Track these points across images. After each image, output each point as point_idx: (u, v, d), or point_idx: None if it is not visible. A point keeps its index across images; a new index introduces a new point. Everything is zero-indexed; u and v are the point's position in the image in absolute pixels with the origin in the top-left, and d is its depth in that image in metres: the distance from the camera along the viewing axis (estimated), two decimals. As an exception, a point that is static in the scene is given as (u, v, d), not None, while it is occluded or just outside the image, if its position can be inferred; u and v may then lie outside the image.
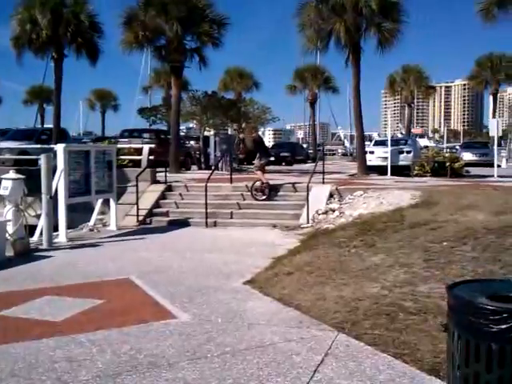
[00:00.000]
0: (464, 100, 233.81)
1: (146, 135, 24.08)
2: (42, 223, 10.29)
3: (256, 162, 14.31)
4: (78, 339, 4.99)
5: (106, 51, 23.68)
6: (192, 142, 29.24)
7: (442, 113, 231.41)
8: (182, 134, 32.28)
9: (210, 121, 24.32)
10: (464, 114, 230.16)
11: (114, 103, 62.61)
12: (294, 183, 14.46)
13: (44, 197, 10.12)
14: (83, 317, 5.74)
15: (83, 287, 7.05)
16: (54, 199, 10.52)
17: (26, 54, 22.55)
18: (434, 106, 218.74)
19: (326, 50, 19.20)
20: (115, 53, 20.45)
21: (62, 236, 10.63)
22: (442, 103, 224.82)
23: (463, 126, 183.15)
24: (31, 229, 10.46)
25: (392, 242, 7.69)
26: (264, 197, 13.57)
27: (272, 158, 32.45)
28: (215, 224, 12.47)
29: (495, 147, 19.36)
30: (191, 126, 31.70)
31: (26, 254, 9.19)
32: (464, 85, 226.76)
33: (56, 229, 10.65)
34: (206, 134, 26.49)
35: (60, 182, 10.56)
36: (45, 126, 35.13)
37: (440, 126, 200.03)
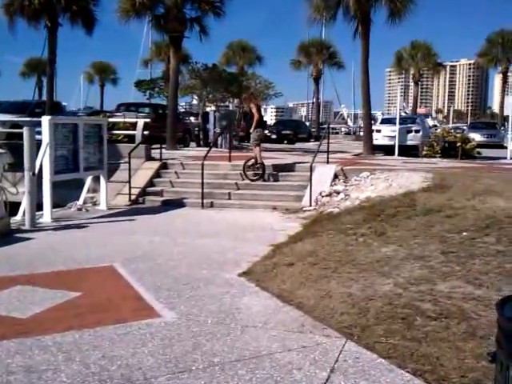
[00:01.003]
0: (469, 80, 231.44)
1: (143, 109, 23.20)
2: (24, 202, 9.55)
3: (253, 134, 13.10)
4: (44, 342, 4.29)
5: (107, 23, 22.80)
6: (192, 118, 28.40)
7: (446, 93, 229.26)
8: (182, 109, 31.42)
9: (210, 95, 23.41)
10: (468, 95, 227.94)
11: (113, 77, 61.41)
12: (296, 162, 13.70)
13: (26, 173, 9.36)
14: (54, 313, 5.03)
15: (61, 276, 6.34)
16: (39, 176, 9.80)
17: (21, 24, 21.71)
18: (438, 85, 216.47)
19: (333, 21, 18.21)
20: (117, 25, 19.44)
21: (46, 216, 9.90)
22: (447, 83, 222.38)
23: (467, 106, 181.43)
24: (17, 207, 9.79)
25: (404, 230, 6.95)
26: (256, 177, 12.68)
27: (274, 136, 31.89)
28: (212, 205, 11.73)
29: (510, 127, 18.36)
30: (193, 101, 30.79)
31: (6, 235, 8.47)
32: (469, 65, 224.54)
33: (42, 207, 9.95)
34: (207, 109, 25.64)
35: (45, 158, 9.79)
36: (40, 99, 34.14)
37: (444, 106, 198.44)
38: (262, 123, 13.50)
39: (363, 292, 5.12)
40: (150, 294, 5.53)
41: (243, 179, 12.73)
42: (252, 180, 12.68)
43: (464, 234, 6.33)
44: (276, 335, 4.40)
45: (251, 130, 13.20)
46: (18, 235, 8.62)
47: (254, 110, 13.03)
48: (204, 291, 5.60)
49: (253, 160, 12.84)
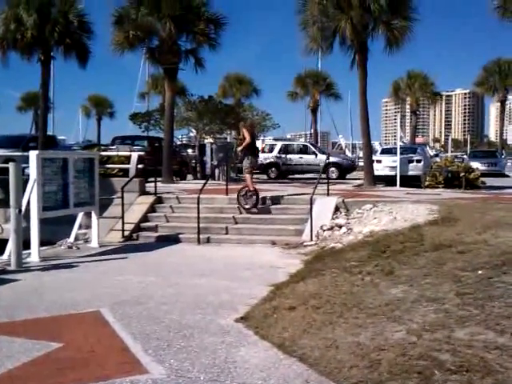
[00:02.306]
0: (465, 109, 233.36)
1: (139, 142, 22.86)
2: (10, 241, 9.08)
3: (245, 162, 12.70)
4: (14, 408, 3.77)
5: (105, 56, 22.64)
6: (189, 150, 28.09)
7: (443, 122, 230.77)
8: (179, 142, 31.14)
9: (206, 127, 23.12)
10: (465, 123, 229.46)
11: (110, 110, 61.40)
12: (295, 194, 13.27)
13: (12, 211, 8.90)
14: (31, 368, 4.51)
15: (43, 323, 5.83)
16: (26, 213, 9.35)
17: (15, 57, 21.54)
18: (434, 115, 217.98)
19: (329, 50, 17.96)
20: (113, 58, 19.34)
21: (34, 255, 9.41)
22: (443, 112, 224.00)
23: (464, 135, 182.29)
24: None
25: (414, 268, 6.46)
26: (250, 205, 12.26)
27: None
28: (208, 240, 11.24)
29: None
30: (191, 134, 30.60)
31: (-11, 277, 7.99)
32: (465, 94, 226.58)
33: (29, 246, 9.46)
34: (204, 141, 25.35)
35: (32, 194, 9.34)
36: (36, 133, 33.82)
37: (441, 135, 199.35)
38: (253, 149, 12.94)
39: (373, 341, 4.62)
40: (137, 344, 5.01)
41: (240, 212, 12.27)
42: (246, 210, 12.25)
43: (479, 272, 5.85)
44: (277, 394, 3.89)
45: (239, 152, 12.96)
46: (2, 276, 8.13)
47: (246, 134, 12.61)
48: (197, 341, 5.09)
49: (246, 189, 12.46)
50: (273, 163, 24.47)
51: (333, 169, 23.80)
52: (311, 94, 46.26)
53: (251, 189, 12.40)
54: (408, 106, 51.72)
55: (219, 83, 47.01)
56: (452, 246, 7.09)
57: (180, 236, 11.52)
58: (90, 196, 10.92)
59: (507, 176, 26.58)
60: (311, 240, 10.52)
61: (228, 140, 30.95)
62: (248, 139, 12.52)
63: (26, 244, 9.26)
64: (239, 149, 12.91)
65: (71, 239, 11.07)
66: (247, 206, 12.28)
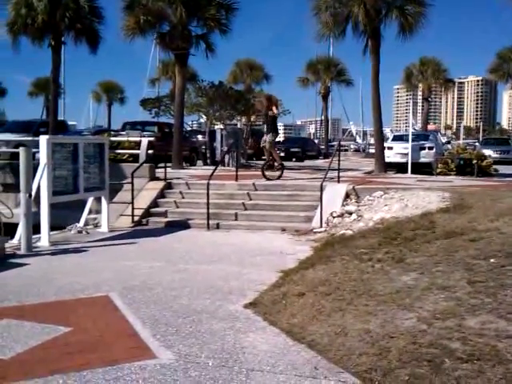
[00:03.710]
0: (477, 96, 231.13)
1: (149, 128, 22.81)
2: (20, 225, 9.10)
3: (269, 137, 13.92)
4: (22, 391, 3.78)
5: (116, 41, 22.53)
6: (199, 136, 28.02)
7: (455, 109, 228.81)
8: (189, 127, 31.05)
9: (216, 113, 23.02)
10: (477, 111, 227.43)
11: (121, 96, 61.31)
12: (305, 181, 13.20)
13: (22, 195, 8.91)
14: (39, 352, 4.52)
15: (52, 307, 5.84)
16: (37, 197, 9.37)
17: (25, 43, 21.52)
18: (446, 101, 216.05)
19: (342, 36, 17.73)
20: (124, 44, 19.26)
21: (44, 239, 9.43)
22: (455, 99, 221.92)
23: (476, 122, 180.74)
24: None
25: (425, 255, 6.39)
26: (276, 177, 13.63)
27: (282, 154, 31.45)
28: (218, 226, 11.22)
29: None
30: (201, 120, 30.51)
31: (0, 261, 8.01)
32: (477, 81, 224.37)
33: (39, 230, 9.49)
34: (215, 127, 25.27)
35: (43, 179, 9.35)
36: (44, 118, 33.89)
37: (452, 123, 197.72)
38: (276, 125, 14.63)
39: (383, 328, 4.57)
40: (146, 329, 5.01)
41: (251, 199, 12.22)
42: (273, 180, 13.45)
43: (491, 260, 5.77)
44: (285, 381, 3.87)
45: (268, 136, 13.97)
46: (12, 260, 8.15)
47: (275, 109, 14.01)
48: (205, 326, 5.07)
49: (270, 162, 14.18)
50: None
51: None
52: (322, 80, 45.89)
53: (279, 161, 14.20)
54: (420, 93, 51.24)
55: (230, 69, 46.75)
56: (464, 233, 7.01)
57: (189, 222, 11.50)
58: (100, 181, 10.92)
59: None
60: (321, 227, 10.46)
61: (238, 126, 30.83)
62: (275, 112, 13.88)
63: (36, 228, 9.28)
64: (273, 112, 13.87)
65: (81, 224, 11.09)
66: (274, 178, 13.55)
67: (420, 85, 48.19)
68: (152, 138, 17.62)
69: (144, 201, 12.34)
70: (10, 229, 9.36)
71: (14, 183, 13.25)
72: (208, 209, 11.15)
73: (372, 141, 42.85)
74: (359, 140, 76.10)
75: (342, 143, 55.32)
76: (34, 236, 9.19)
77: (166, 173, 13.72)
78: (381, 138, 18.73)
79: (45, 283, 6.84)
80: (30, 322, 5.28)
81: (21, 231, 8.93)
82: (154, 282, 6.74)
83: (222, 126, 24.99)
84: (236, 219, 11.54)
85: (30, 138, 17.54)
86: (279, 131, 15.10)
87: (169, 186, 13.25)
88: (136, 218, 11.71)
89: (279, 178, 13.74)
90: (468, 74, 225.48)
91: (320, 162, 29.66)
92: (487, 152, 25.19)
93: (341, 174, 13.33)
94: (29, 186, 8.94)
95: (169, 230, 10.97)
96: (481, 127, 78.23)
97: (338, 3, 16.93)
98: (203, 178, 13.08)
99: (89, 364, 4.23)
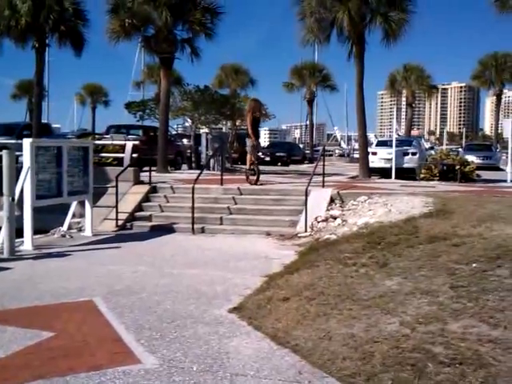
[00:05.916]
0: (460, 102, 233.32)
1: (133, 131, 22.73)
2: (3, 229, 9.02)
3: (249, 141, 14.11)
4: (5, 396, 3.74)
5: (101, 44, 22.44)
6: (184, 140, 27.97)
7: (438, 115, 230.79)
8: (174, 131, 30.97)
9: (202, 117, 23.00)
10: (460, 117, 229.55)
11: (105, 99, 61.12)
12: (290, 186, 13.23)
13: (5, 199, 8.83)
14: (22, 357, 4.48)
15: (35, 312, 5.80)
16: (20, 201, 9.29)
17: (10, 44, 21.36)
18: (430, 107, 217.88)
19: (327, 42, 17.89)
20: (108, 47, 19.14)
21: (27, 243, 9.36)
22: (439, 105, 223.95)
23: (459, 128, 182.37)
24: None
25: (408, 260, 6.45)
26: (254, 182, 13.71)
27: (267, 158, 31.50)
28: (203, 230, 11.21)
29: (510, 150, 17.67)
30: (186, 124, 30.49)
31: (-19, 265, 7.93)
32: (460, 87, 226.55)
33: (23, 234, 9.41)
34: (200, 131, 25.24)
35: (26, 182, 9.28)
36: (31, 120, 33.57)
37: (436, 128, 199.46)
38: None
39: (367, 333, 4.61)
40: (130, 334, 4.99)
41: (236, 203, 12.23)
42: (252, 183, 13.74)
43: (474, 265, 5.84)
44: (270, 386, 3.87)
45: (248, 141, 14.23)
46: (-7, 265, 8.07)
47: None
48: (190, 331, 5.07)
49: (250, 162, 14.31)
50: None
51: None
52: (307, 85, 46.15)
53: (248, 167, 14.35)
54: (404, 99, 51.70)
55: (215, 73, 46.84)
56: (447, 238, 7.08)
57: (174, 226, 11.47)
58: (84, 185, 10.86)
59: (502, 170, 26.57)
60: (306, 231, 10.50)
61: (223, 130, 30.84)
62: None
63: (19, 232, 9.21)
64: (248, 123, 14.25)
65: (64, 228, 11.01)
66: (253, 182, 13.77)
67: (404, 91, 48.68)
68: (137, 142, 17.57)
69: (128, 205, 12.29)
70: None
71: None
72: (193, 213, 11.13)
73: (356, 146, 43.13)
74: (344, 145, 76.34)
75: (327, 148, 55.70)
76: (17, 240, 9.13)
77: (150, 176, 13.68)
78: (365, 143, 18.87)
79: (28, 287, 6.79)
80: (13, 326, 5.24)
81: (3, 235, 8.84)
82: (138, 287, 6.72)
83: (207, 130, 24.98)
84: (221, 223, 11.54)
85: (13, 141, 17.34)
86: (259, 135, 15.27)
87: (154, 189, 13.21)
88: (120, 222, 11.66)
89: (256, 182, 13.70)
90: (451, 81, 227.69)
91: (305, 167, 29.77)
92: (470, 158, 25.43)
93: (325, 178, 13.41)
94: (12, 189, 8.87)
95: (153, 234, 10.94)
96: (464, 133, 78.99)
97: (323, 9, 17.05)
98: (188, 182, 13.06)
99: (72, 369, 4.20)
